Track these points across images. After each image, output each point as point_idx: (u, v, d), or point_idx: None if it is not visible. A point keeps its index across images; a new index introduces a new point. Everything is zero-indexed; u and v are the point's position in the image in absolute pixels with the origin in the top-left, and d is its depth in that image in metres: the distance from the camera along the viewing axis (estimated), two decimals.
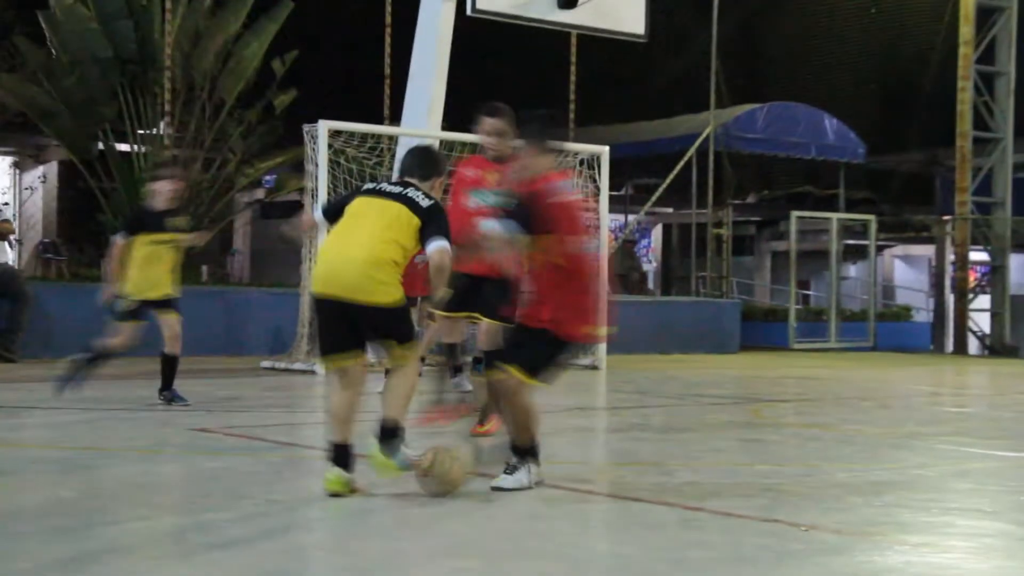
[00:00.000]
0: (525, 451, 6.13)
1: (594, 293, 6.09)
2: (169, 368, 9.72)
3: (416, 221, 5.94)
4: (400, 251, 5.92)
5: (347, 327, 5.90)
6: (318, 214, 6.25)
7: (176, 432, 8.31)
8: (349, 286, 5.79)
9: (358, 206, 6.01)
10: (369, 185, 6.18)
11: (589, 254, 6.07)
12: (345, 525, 5.38)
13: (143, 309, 9.52)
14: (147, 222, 9.48)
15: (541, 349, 6.03)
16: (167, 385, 9.75)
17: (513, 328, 6.25)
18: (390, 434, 5.87)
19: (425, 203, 5.99)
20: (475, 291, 7.66)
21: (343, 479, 5.80)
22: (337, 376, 5.97)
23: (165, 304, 9.57)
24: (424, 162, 6.24)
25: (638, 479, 6.74)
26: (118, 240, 9.46)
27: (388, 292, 5.85)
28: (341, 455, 5.84)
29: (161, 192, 9.54)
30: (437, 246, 5.91)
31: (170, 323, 9.61)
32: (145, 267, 9.42)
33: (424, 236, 5.94)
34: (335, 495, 5.75)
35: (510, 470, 6.09)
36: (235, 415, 9.71)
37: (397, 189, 6.03)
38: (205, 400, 10.70)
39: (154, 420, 9.09)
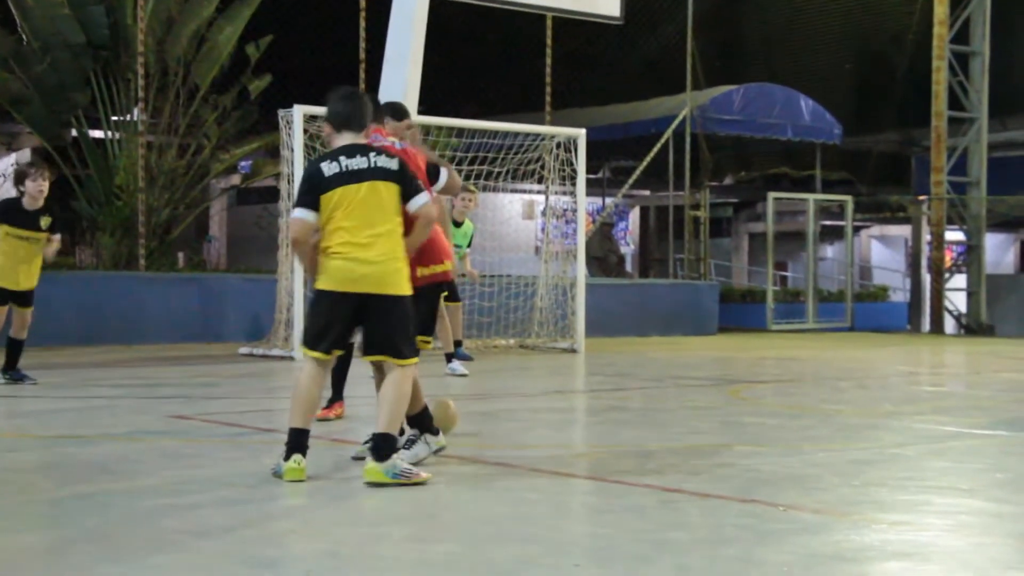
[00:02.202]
0: (422, 424, 6.37)
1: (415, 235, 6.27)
2: (17, 351, 10.26)
3: (395, 188, 6.00)
4: (401, 229, 6.01)
5: (353, 323, 5.98)
6: (310, 215, 5.92)
7: (153, 419, 8.30)
8: (376, 281, 5.86)
9: (343, 198, 5.88)
10: (333, 169, 5.92)
11: None
12: (326, 511, 5.38)
13: (4, 296, 10.07)
14: (17, 217, 9.94)
15: None
16: (12, 366, 10.25)
17: None
18: (382, 447, 5.81)
19: (394, 165, 6.03)
20: None
21: (304, 465, 5.84)
22: (317, 366, 5.96)
23: (28, 296, 10.17)
24: (359, 109, 6.11)
25: (617, 461, 6.75)
26: None
27: (407, 282, 5.99)
28: (304, 441, 5.88)
29: (33, 191, 9.93)
30: (422, 201, 6.07)
31: (25, 315, 10.22)
32: (12, 258, 9.97)
33: (405, 198, 6.02)
34: (297, 481, 5.79)
35: (408, 444, 6.32)
36: (213, 402, 9.68)
37: (362, 163, 5.96)
38: (182, 387, 10.67)
39: (130, 408, 9.07)
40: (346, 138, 6.07)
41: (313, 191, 5.94)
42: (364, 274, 5.86)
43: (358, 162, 5.97)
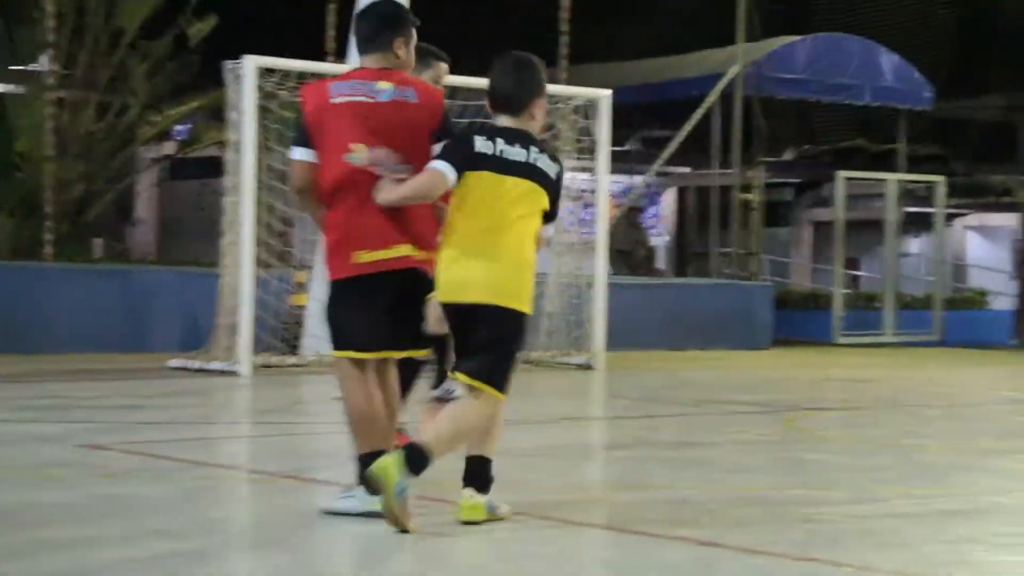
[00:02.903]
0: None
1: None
2: None
3: (543, 196, 6.02)
4: (531, 238, 6.03)
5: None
6: (452, 174, 5.92)
7: (62, 449, 8.26)
8: (486, 290, 5.89)
9: (480, 185, 5.93)
10: (485, 147, 5.96)
11: None
12: (283, 564, 5.36)
13: None
14: None
15: None
16: None
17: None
18: (480, 473, 5.94)
19: (553, 171, 6.05)
20: None
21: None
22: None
23: None
24: (521, 87, 6.14)
25: (645, 508, 6.75)
26: None
27: (525, 299, 5.98)
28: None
29: None
30: (552, 231, 6.27)
31: None
32: None
33: (545, 216, 6.07)
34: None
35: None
36: (137, 428, 9.66)
37: (523, 156, 5.98)
38: (99, 409, 10.65)
39: (33, 434, 9.05)
40: (502, 122, 6.10)
41: (464, 160, 5.93)
42: (476, 282, 5.88)
43: (517, 152, 5.99)
